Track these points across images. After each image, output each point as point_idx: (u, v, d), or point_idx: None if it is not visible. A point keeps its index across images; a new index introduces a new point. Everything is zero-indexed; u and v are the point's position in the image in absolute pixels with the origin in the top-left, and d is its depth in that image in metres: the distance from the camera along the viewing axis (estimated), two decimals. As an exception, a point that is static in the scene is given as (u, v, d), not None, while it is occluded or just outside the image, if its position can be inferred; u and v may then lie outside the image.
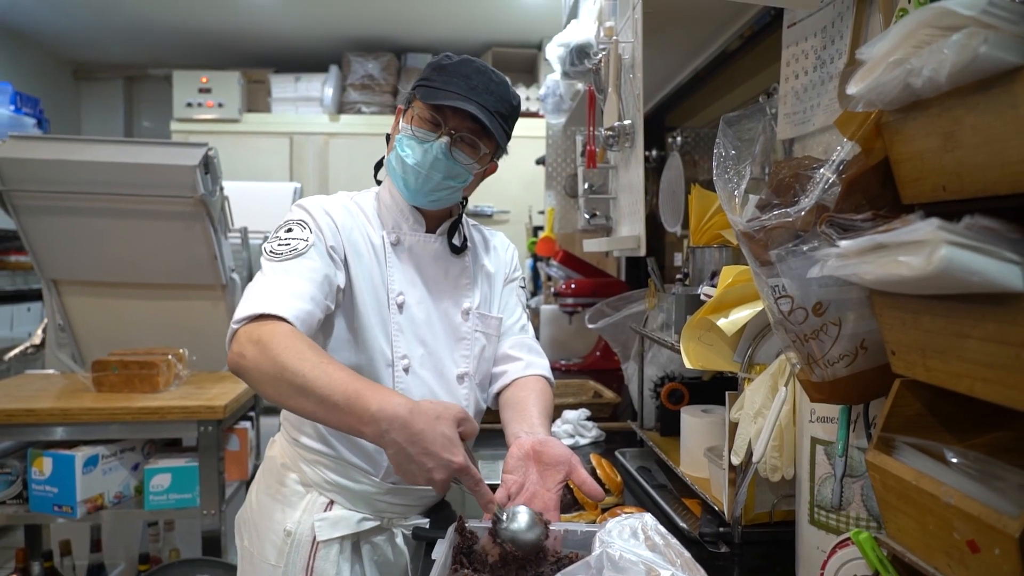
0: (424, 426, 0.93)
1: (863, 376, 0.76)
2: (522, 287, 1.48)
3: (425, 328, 1.28)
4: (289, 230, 1.19)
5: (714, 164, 0.81)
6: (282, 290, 1.10)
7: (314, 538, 1.25)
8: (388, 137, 1.32)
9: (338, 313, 1.23)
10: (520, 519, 0.91)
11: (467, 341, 1.32)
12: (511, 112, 1.26)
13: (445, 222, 1.34)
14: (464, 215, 1.40)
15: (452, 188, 1.25)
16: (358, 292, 1.23)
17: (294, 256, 1.15)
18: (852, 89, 0.66)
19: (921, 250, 0.52)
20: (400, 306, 1.26)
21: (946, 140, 0.60)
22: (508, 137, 1.28)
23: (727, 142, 0.81)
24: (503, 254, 1.46)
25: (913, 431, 0.69)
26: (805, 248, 0.70)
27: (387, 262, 1.27)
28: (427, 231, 1.31)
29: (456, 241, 1.33)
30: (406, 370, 1.25)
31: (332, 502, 1.28)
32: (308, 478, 1.29)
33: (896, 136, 0.67)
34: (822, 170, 0.74)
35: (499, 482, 1.04)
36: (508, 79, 1.28)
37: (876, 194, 0.71)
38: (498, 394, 1.38)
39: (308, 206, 1.24)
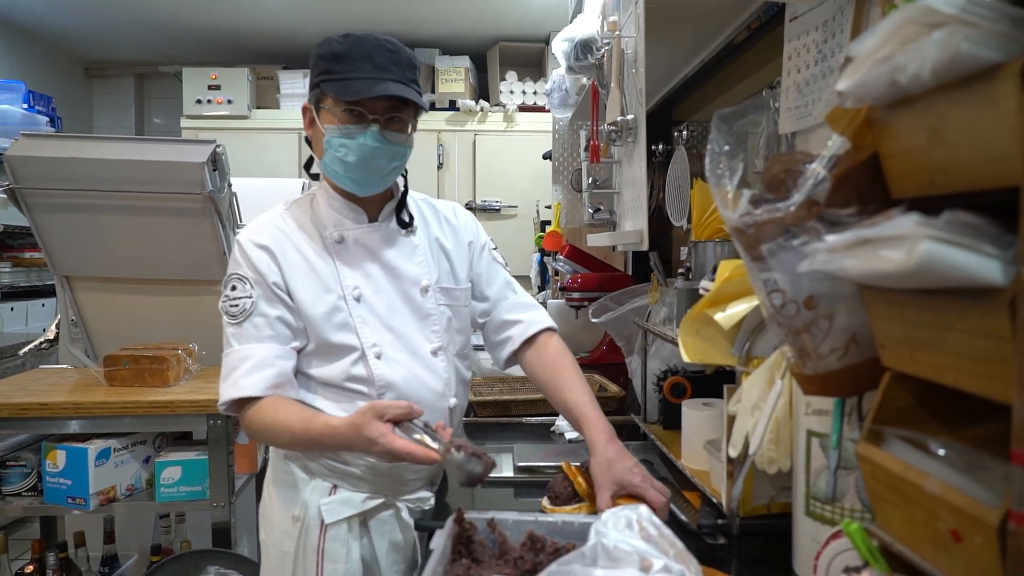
0: (359, 441, 1.10)
1: (855, 369, 0.77)
2: (494, 248, 1.55)
3: (388, 314, 1.33)
4: (233, 288, 1.29)
5: (707, 160, 0.82)
6: (247, 366, 1.25)
7: (322, 521, 1.31)
8: (308, 140, 1.36)
9: (304, 325, 1.31)
10: (462, 454, 1.03)
11: (433, 317, 1.37)
12: (415, 72, 1.30)
13: (387, 206, 1.38)
14: (410, 191, 1.44)
15: (397, 167, 1.32)
16: (310, 303, 1.29)
17: (246, 317, 1.27)
18: (841, 85, 0.66)
19: (902, 245, 0.53)
20: (357, 299, 1.31)
21: (932, 136, 0.61)
22: (421, 95, 1.31)
23: (721, 138, 0.82)
24: (459, 223, 1.49)
25: (904, 423, 0.70)
26: (795, 243, 0.71)
27: (336, 262, 1.32)
28: (370, 220, 1.36)
29: (404, 217, 1.38)
30: (378, 356, 1.30)
31: (335, 486, 1.34)
32: (309, 468, 1.35)
33: (884, 132, 0.68)
34: (812, 165, 0.74)
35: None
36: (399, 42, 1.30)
37: (866, 189, 0.71)
38: (512, 357, 1.47)
39: (244, 246, 1.30)
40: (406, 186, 1.41)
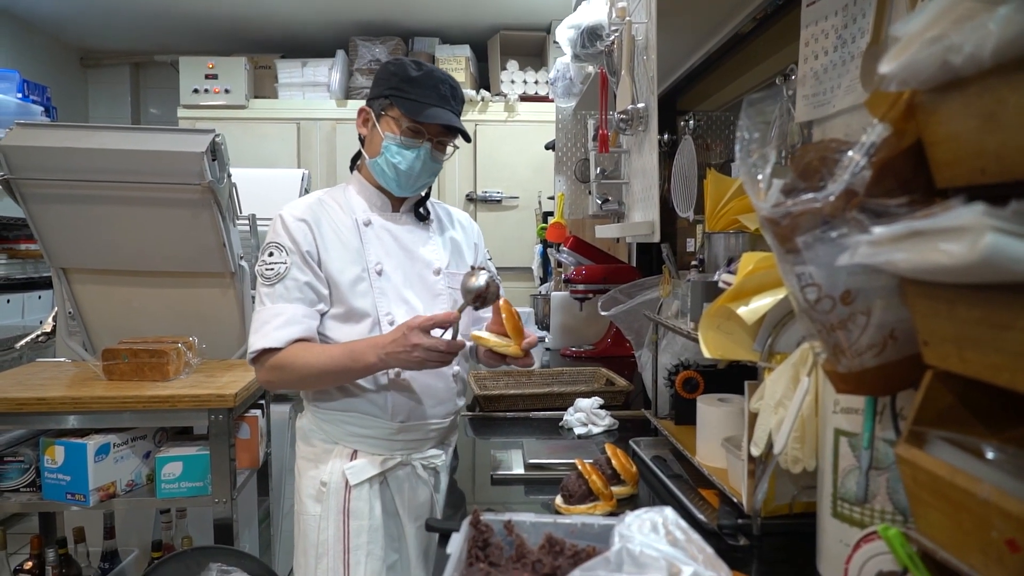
0: (395, 334, 1.36)
1: (892, 366, 0.73)
2: (489, 259, 1.80)
3: (405, 288, 1.54)
4: (271, 254, 1.48)
5: (737, 148, 0.78)
6: (276, 320, 1.43)
7: (346, 483, 1.50)
8: (361, 139, 1.58)
9: (329, 291, 1.50)
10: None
11: (443, 296, 1.58)
12: (463, 105, 1.56)
13: (408, 200, 1.61)
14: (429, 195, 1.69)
15: (431, 181, 1.58)
16: (337, 270, 1.49)
17: (278, 280, 1.45)
18: (885, 68, 0.63)
19: (963, 237, 0.49)
20: (379, 273, 1.52)
21: (987, 120, 0.57)
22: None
23: (752, 125, 0.78)
24: (468, 226, 1.74)
25: (945, 424, 0.67)
26: (834, 235, 0.67)
27: (363, 239, 1.53)
28: (393, 210, 1.60)
29: (422, 212, 1.63)
30: (391, 324, 1.49)
31: (356, 451, 1.53)
32: (331, 435, 1.55)
33: (931, 117, 0.64)
34: (850, 153, 0.71)
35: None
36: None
37: (909, 178, 0.67)
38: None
39: (284, 218, 1.50)
40: (429, 190, 1.65)
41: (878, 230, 0.59)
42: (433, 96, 1.47)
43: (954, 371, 0.63)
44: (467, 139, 1.56)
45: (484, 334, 1.46)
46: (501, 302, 1.43)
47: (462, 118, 1.56)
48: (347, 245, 1.51)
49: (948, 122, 0.62)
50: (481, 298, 1.37)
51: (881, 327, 0.72)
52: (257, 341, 1.42)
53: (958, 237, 0.50)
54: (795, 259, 0.72)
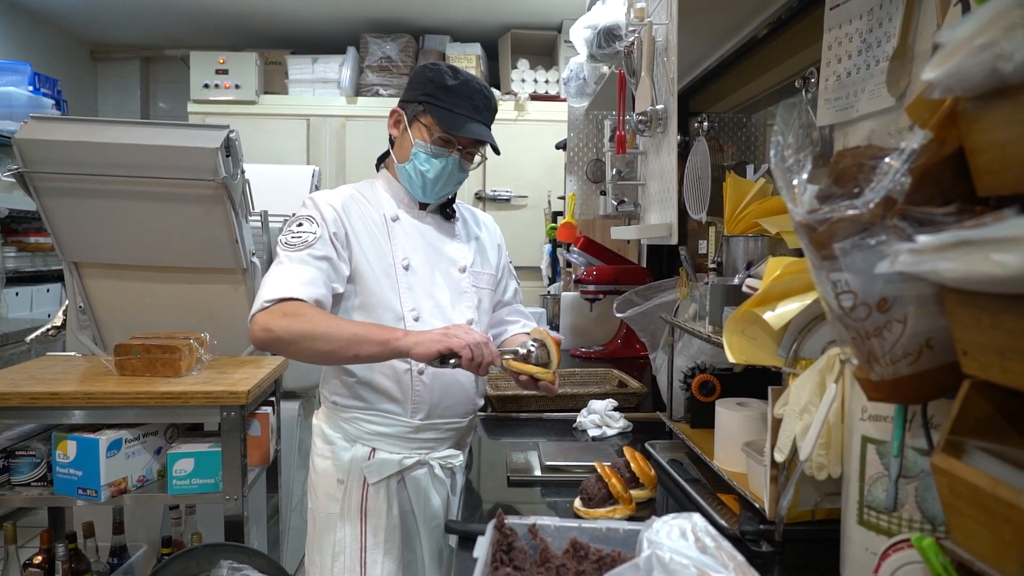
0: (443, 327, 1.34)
1: (926, 375, 0.73)
2: (509, 261, 1.81)
3: (431, 284, 1.54)
4: (300, 224, 1.46)
5: (772, 152, 0.77)
6: (298, 278, 1.37)
7: (364, 481, 1.50)
8: (391, 139, 1.59)
9: (350, 281, 1.48)
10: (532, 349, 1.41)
11: (468, 294, 1.59)
12: (494, 115, 1.56)
13: (435, 201, 1.62)
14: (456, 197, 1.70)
15: (456, 188, 1.60)
16: (365, 261, 1.49)
17: (305, 247, 1.42)
18: (929, 75, 0.62)
19: (1017, 248, 0.49)
20: (406, 268, 1.52)
21: (1035, 129, 0.56)
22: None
23: (788, 129, 0.77)
24: (492, 228, 1.76)
25: (982, 434, 0.66)
26: (872, 242, 0.66)
27: (390, 235, 1.53)
28: (420, 209, 1.61)
29: (449, 211, 1.64)
30: (416, 319, 1.50)
31: (374, 449, 1.52)
32: (350, 434, 1.54)
33: (974, 125, 0.63)
34: (888, 160, 0.70)
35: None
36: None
37: (948, 185, 0.67)
38: (500, 345, 1.68)
39: (315, 199, 1.51)
40: (454, 195, 1.67)
41: (923, 238, 0.58)
42: (467, 107, 1.47)
43: (995, 381, 0.63)
44: (496, 151, 1.55)
45: (521, 363, 1.42)
46: (544, 336, 1.45)
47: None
48: (375, 239, 1.51)
49: (993, 130, 0.61)
50: (535, 353, 1.41)
51: (917, 335, 0.71)
52: (276, 291, 1.35)
53: (1012, 248, 0.49)
54: (831, 266, 0.72)
